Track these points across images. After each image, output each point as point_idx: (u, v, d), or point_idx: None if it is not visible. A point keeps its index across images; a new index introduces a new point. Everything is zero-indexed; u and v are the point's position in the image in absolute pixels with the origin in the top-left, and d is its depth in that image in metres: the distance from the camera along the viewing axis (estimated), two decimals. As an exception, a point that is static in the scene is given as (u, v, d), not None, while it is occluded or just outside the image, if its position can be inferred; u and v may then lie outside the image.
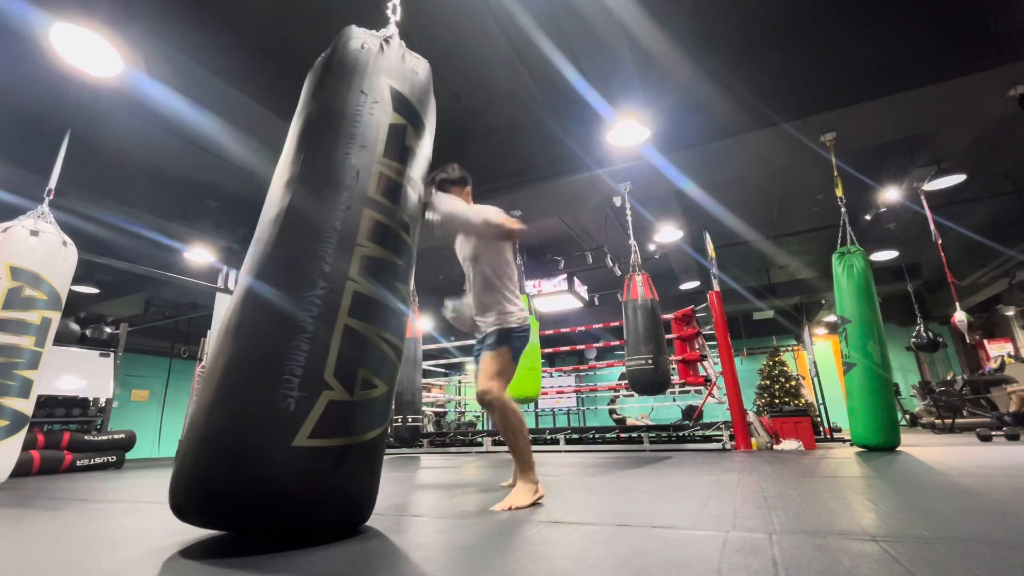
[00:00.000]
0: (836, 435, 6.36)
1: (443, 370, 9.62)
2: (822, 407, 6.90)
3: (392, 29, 2.00)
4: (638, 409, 9.94)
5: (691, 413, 7.85)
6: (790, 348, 10.55)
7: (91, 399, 5.53)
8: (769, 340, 10.72)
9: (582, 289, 9.09)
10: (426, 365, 7.78)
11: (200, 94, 4.28)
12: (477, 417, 10.83)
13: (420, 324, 6.72)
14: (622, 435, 6.36)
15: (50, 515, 1.98)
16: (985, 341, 10.38)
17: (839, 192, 4.75)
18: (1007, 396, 6.67)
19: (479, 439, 6.92)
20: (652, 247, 8.26)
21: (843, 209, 4.69)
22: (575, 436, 6.73)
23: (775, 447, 4.83)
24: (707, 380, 5.96)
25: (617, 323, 5.59)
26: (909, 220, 7.49)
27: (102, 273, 8.03)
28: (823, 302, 10.72)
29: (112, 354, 5.86)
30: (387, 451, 6.56)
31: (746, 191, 6.80)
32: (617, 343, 6.33)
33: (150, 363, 12.25)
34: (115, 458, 5.22)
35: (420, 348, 6.20)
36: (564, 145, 5.32)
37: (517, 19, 3.93)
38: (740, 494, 1.95)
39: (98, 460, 5.04)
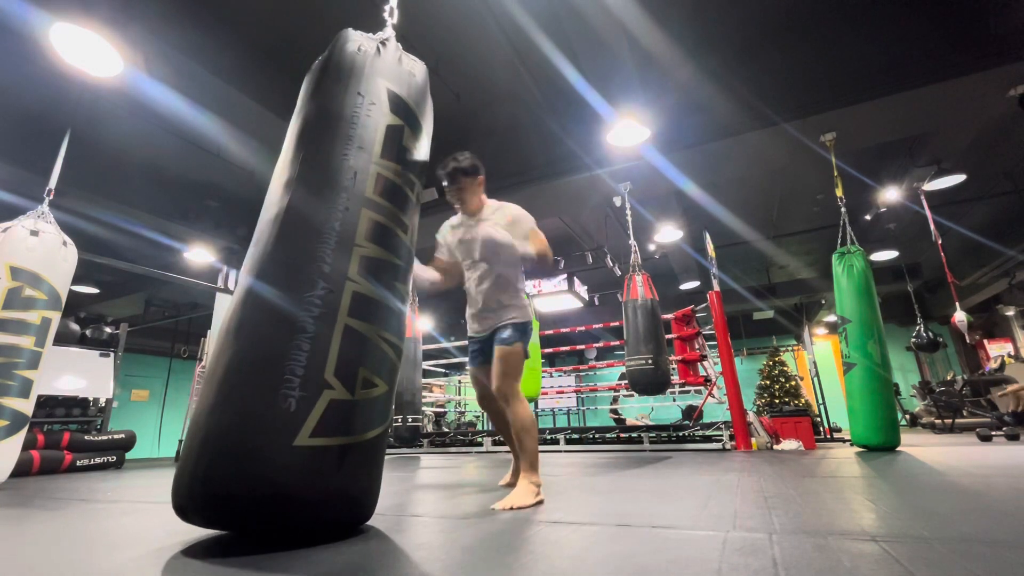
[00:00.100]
0: (836, 435, 6.36)
1: (443, 370, 9.62)
2: (822, 407, 6.90)
3: (389, 32, 2.01)
4: (638, 409, 9.95)
5: (691, 413, 7.85)
6: (790, 348, 10.56)
7: (91, 399, 5.53)
8: (769, 340, 10.72)
9: (582, 289, 9.09)
10: (426, 365, 7.78)
11: (200, 94, 4.28)
12: (477, 417, 10.83)
13: (420, 324, 6.72)
14: (622, 435, 6.36)
15: (50, 515, 1.98)
16: (985, 341, 10.38)
17: (839, 192, 4.75)
18: (1003, 398, 6.66)
19: (479, 439, 6.92)
20: (652, 247, 8.26)
21: (843, 209, 4.69)
22: (575, 436, 6.73)
23: (775, 447, 4.83)
24: (707, 380, 5.96)
25: (617, 323, 5.59)
26: (909, 220, 7.50)
27: (102, 273, 8.04)
28: (823, 302, 10.72)
29: (112, 354, 5.86)
30: (387, 451, 6.55)
31: (746, 191, 6.81)
32: (617, 343, 6.33)
33: (150, 363, 12.26)
34: (115, 458, 5.22)
35: (420, 348, 6.20)
36: (564, 145, 5.32)
37: (517, 19, 3.93)
38: (740, 494, 1.95)
39: (98, 460, 5.04)
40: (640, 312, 4.85)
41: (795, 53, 4.44)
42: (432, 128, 2.03)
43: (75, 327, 5.68)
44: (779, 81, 4.56)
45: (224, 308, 4.41)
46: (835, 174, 4.81)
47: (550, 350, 8.15)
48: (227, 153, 5.20)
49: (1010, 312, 10.01)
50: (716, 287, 5.74)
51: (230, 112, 4.53)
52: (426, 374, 8.31)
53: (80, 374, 5.49)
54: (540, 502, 1.89)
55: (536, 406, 8.88)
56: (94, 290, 8.69)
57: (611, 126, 4.84)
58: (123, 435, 5.36)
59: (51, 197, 3.66)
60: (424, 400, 7.30)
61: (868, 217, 7.34)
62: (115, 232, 6.11)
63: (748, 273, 10.15)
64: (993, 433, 5.15)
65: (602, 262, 7.56)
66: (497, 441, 6.51)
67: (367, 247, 1.54)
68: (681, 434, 5.85)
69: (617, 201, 5.83)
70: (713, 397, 5.82)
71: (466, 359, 8.75)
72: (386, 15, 2.12)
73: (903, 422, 8.99)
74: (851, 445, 4.72)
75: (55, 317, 3.39)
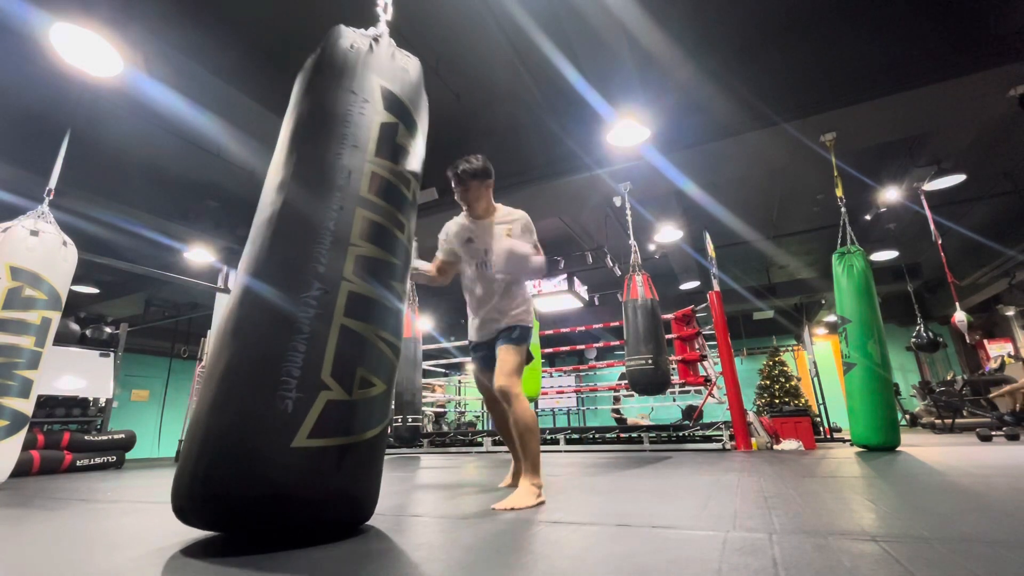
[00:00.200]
0: (836, 435, 6.36)
1: (443, 370, 9.62)
2: (822, 407, 6.90)
3: (382, 28, 1.98)
4: (638, 409, 9.95)
5: (691, 413, 7.85)
6: (790, 348, 10.56)
7: (91, 399, 5.53)
8: (769, 340, 10.72)
9: (582, 289, 9.09)
10: (426, 365, 7.78)
11: (200, 94, 4.28)
12: (477, 417, 10.83)
13: (420, 324, 6.72)
14: (622, 435, 6.36)
15: (50, 515, 1.98)
16: (985, 341, 10.38)
17: (839, 192, 4.75)
18: (1002, 397, 6.66)
19: (479, 439, 6.92)
20: (652, 247, 8.26)
21: (843, 209, 4.69)
22: (575, 436, 6.73)
23: (775, 447, 4.83)
24: (707, 380, 5.96)
25: (617, 323, 5.59)
26: (909, 220, 7.50)
27: (102, 273, 8.04)
28: (823, 302, 10.72)
29: (112, 354, 5.86)
30: (387, 451, 6.55)
31: (746, 191, 6.80)
32: (617, 343, 6.33)
33: (150, 363, 12.26)
34: (115, 458, 5.22)
35: (420, 348, 6.20)
36: (564, 145, 5.32)
37: (517, 19, 3.93)
38: (740, 494, 1.95)
39: (98, 460, 5.04)
40: (640, 312, 4.85)
41: (795, 53, 4.44)
42: (427, 125, 2.00)
43: (75, 327, 5.68)
44: (779, 81, 4.56)
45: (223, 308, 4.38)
46: (835, 174, 4.81)
47: (550, 350, 8.15)
48: (227, 153, 5.20)
49: (1010, 312, 10.01)
50: (716, 287, 5.74)
51: (230, 112, 4.53)
52: (426, 374, 8.32)
53: (80, 374, 5.49)
54: (542, 503, 1.89)
55: (536, 406, 8.88)
56: (94, 290, 8.69)
57: (611, 126, 4.84)
58: (123, 435, 5.36)
59: (51, 197, 3.66)
60: (424, 400, 7.30)
61: (868, 217, 7.34)
62: (115, 232, 6.11)
63: (748, 273, 10.16)
64: (993, 433, 5.15)
65: (602, 262, 7.56)
66: (497, 441, 6.51)
67: (363, 246, 1.53)
68: (681, 434, 5.85)
69: (617, 201, 5.83)
70: (713, 397, 5.82)
71: (466, 359, 8.77)
72: (380, 10, 2.09)
73: (903, 422, 8.99)
74: (851, 445, 4.72)
75: (55, 317, 3.40)
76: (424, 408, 7.45)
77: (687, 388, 7.10)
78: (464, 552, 1.19)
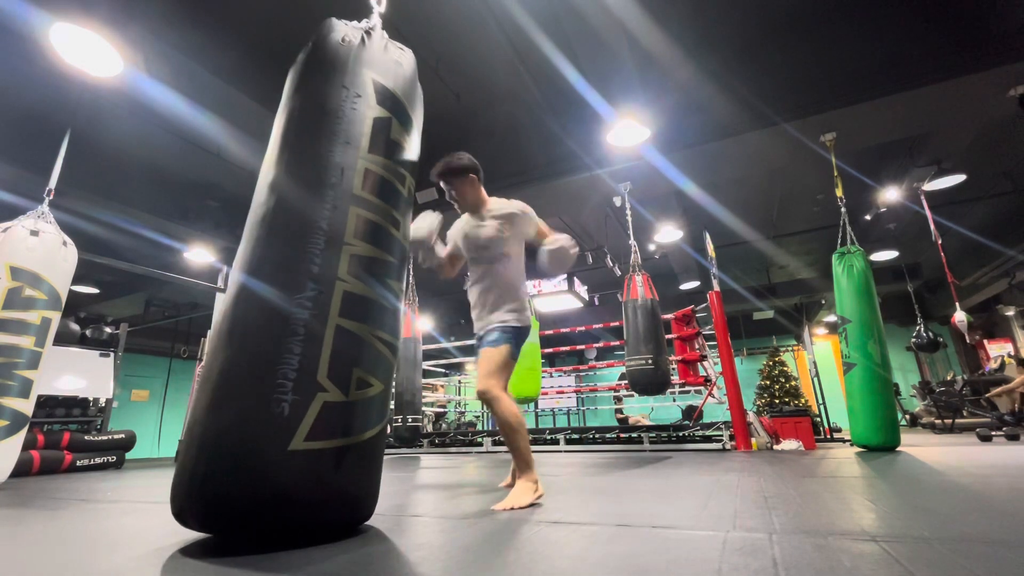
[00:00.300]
0: (836, 435, 6.36)
1: (443, 370, 9.62)
2: (822, 407, 6.90)
3: (375, 19, 1.93)
4: (639, 409, 9.95)
5: (691, 413, 7.85)
6: (790, 348, 10.56)
7: (91, 399, 5.53)
8: (769, 340, 10.72)
9: (582, 289, 9.09)
10: (426, 365, 7.78)
11: (200, 94, 4.28)
12: (477, 417, 10.83)
13: (420, 324, 6.72)
14: (622, 435, 6.36)
15: (50, 515, 1.98)
16: (985, 341, 10.38)
17: (839, 192, 4.75)
18: (1000, 397, 6.65)
19: (479, 439, 6.92)
20: (652, 247, 8.26)
21: (843, 209, 4.69)
22: (575, 436, 6.72)
23: (775, 447, 4.83)
24: (707, 380, 5.96)
25: (617, 323, 5.59)
26: (909, 220, 7.50)
27: (102, 273, 8.03)
28: (823, 302, 10.72)
29: (112, 354, 5.86)
30: (387, 451, 6.56)
31: (746, 191, 6.80)
32: (617, 343, 6.33)
33: (150, 363, 12.26)
34: (115, 458, 5.22)
35: (420, 348, 6.20)
36: (564, 145, 5.32)
37: (517, 19, 3.93)
38: (740, 494, 1.94)
39: (98, 460, 5.04)
40: (640, 312, 4.85)
41: (795, 53, 4.44)
42: (423, 119, 1.97)
43: (75, 327, 5.69)
44: (779, 81, 4.56)
45: (224, 308, 4.38)
46: (835, 174, 4.81)
47: (550, 350, 8.14)
48: (227, 153, 5.20)
49: (1010, 312, 10.01)
50: (716, 287, 5.74)
51: (230, 112, 4.53)
52: (426, 374, 8.31)
53: (80, 374, 5.49)
54: (540, 497, 1.89)
55: (536, 406, 8.90)
56: (94, 290, 8.69)
57: (611, 126, 4.84)
58: (123, 435, 5.36)
59: (51, 197, 3.66)
60: (424, 400, 7.30)
61: (868, 217, 7.34)
62: (115, 232, 6.11)
63: (748, 273, 10.15)
64: (993, 433, 5.15)
65: (602, 262, 7.56)
66: (497, 441, 6.51)
67: (357, 245, 1.51)
68: (681, 434, 5.85)
69: (617, 201, 5.83)
70: (713, 397, 5.82)
71: (466, 359, 8.76)
72: (373, 2, 2.03)
73: (903, 422, 8.99)
74: (851, 445, 4.72)
75: (55, 317, 3.39)
76: (424, 408, 7.45)
77: (687, 388, 7.09)
78: (464, 552, 1.19)
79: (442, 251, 2.35)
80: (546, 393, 8.76)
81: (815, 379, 7.35)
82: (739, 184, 6.53)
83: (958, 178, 5.78)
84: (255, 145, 4.98)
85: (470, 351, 5.99)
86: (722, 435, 5.20)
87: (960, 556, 1.00)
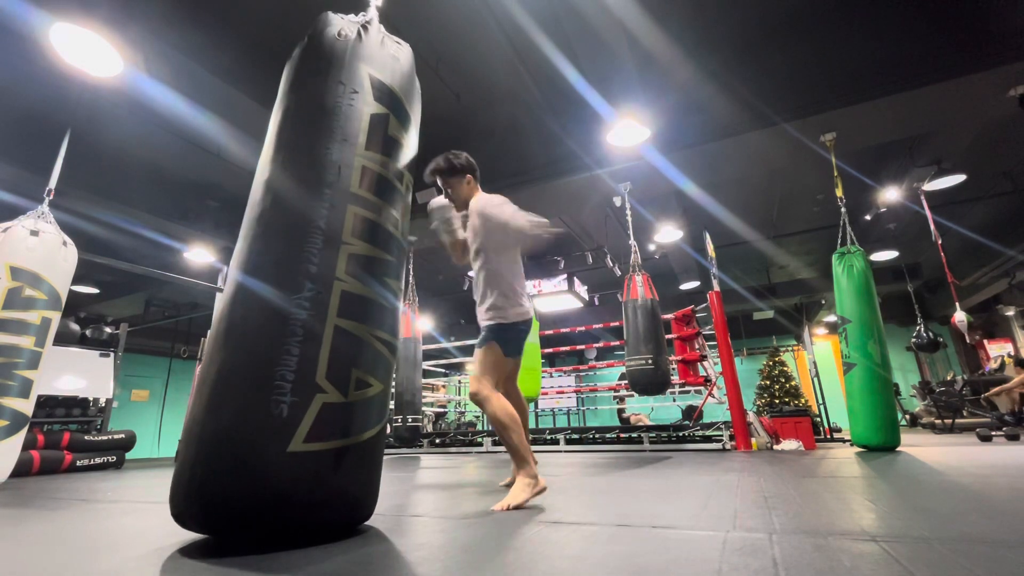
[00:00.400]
0: (836, 435, 6.36)
1: (443, 370, 9.62)
2: (822, 407, 6.90)
3: (372, 13, 1.89)
4: (639, 409, 9.95)
5: (691, 413, 7.85)
6: (790, 348, 10.55)
7: (91, 399, 5.53)
8: (769, 340, 10.72)
9: (582, 289, 9.08)
10: (426, 365, 7.78)
11: (200, 94, 4.28)
12: (477, 417, 10.82)
13: (420, 324, 6.72)
14: (622, 435, 6.36)
15: (50, 515, 1.98)
16: (985, 341, 10.38)
17: (839, 192, 4.75)
18: (999, 396, 6.65)
19: (479, 439, 6.92)
20: (652, 247, 8.26)
21: (843, 209, 4.69)
22: (575, 436, 6.72)
23: (775, 447, 4.83)
24: (707, 380, 5.96)
25: (617, 323, 5.59)
26: (909, 220, 7.50)
27: (102, 273, 8.03)
28: (823, 302, 10.72)
29: (112, 354, 5.86)
30: (387, 451, 6.56)
31: (746, 191, 6.80)
32: (617, 343, 6.33)
33: (150, 363, 12.25)
34: (115, 458, 5.22)
35: (420, 348, 6.20)
36: (564, 145, 5.32)
37: (517, 19, 3.93)
38: (740, 494, 1.94)
39: (98, 460, 5.04)
40: (640, 312, 4.85)
41: (795, 53, 4.44)
42: (420, 115, 1.95)
43: (75, 327, 5.69)
44: (779, 81, 4.56)
45: (224, 308, 4.38)
46: (835, 174, 4.81)
47: (550, 350, 8.14)
48: (227, 153, 5.20)
49: (1010, 312, 10.01)
50: (716, 287, 5.74)
51: (230, 112, 4.53)
52: (426, 374, 8.31)
53: (80, 374, 5.49)
54: (542, 491, 1.89)
55: (536, 406, 8.89)
56: (94, 290, 8.68)
57: (611, 126, 4.84)
58: (123, 435, 5.36)
59: (51, 197, 3.66)
60: (424, 400, 7.30)
61: (868, 217, 7.34)
62: (115, 232, 6.11)
63: (748, 273, 10.15)
64: (993, 433, 5.15)
65: (602, 262, 7.56)
66: (497, 441, 6.51)
67: (356, 244, 1.49)
68: (681, 434, 5.85)
69: (617, 201, 5.83)
70: (713, 397, 5.82)
71: (465, 359, 8.74)
72: None
73: (903, 422, 8.99)
74: (851, 445, 4.72)
75: (55, 317, 3.40)
76: (424, 408, 7.45)
77: (687, 388, 7.10)
78: (464, 552, 1.19)
79: (459, 226, 2.35)
80: (546, 393, 8.76)
81: (815, 379, 7.35)
82: (739, 184, 6.53)
83: (958, 178, 5.78)
84: (255, 145, 4.98)
85: (470, 351, 5.99)
86: (722, 435, 5.20)
87: (960, 556, 1.00)
